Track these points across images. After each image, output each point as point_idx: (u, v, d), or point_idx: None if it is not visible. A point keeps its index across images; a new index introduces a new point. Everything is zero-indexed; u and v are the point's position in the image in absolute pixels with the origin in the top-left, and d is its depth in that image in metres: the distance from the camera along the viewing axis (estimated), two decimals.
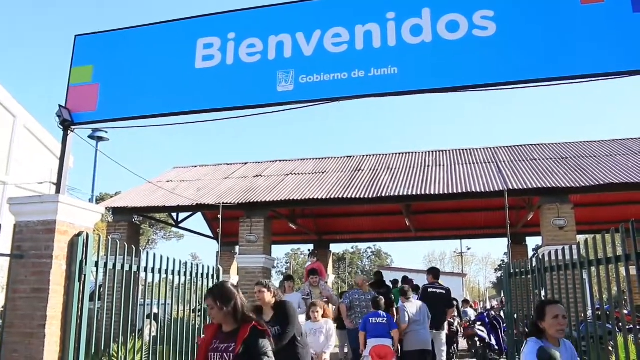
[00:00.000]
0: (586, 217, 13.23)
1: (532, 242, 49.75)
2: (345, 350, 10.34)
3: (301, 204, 12.91)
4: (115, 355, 6.47)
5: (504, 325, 11.45)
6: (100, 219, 6.26)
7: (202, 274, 7.54)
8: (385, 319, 7.79)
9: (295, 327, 5.14)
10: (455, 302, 12.65)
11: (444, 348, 8.95)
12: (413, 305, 8.29)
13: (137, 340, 6.52)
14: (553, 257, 6.08)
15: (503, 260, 69.06)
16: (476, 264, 70.33)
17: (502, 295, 32.87)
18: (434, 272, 9.70)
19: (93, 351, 5.65)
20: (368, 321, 7.84)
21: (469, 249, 56.38)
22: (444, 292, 9.17)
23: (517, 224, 15.77)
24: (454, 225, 17.27)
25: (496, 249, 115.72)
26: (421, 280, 11.65)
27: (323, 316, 7.13)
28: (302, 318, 7.99)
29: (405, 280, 12.14)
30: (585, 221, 12.84)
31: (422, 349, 7.97)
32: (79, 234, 5.55)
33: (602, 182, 10.82)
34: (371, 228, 17.77)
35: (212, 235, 18.06)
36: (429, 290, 9.15)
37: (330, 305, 9.66)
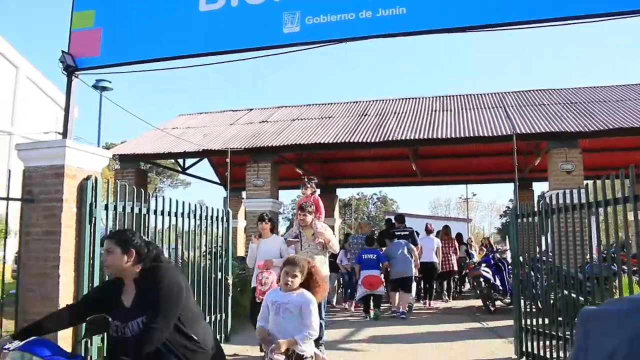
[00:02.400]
0: (594, 162, 13.15)
1: (538, 187, 49.79)
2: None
3: (307, 149, 12.91)
4: None
5: (509, 267, 11.65)
6: (107, 163, 6.30)
7: (212, 217, 7.62)
8: (375, 255, 10.01)
9: (181, 313, 2.84)
10: (465, 246, 14.56)
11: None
12: (393, 245, 10.48)
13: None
14: (560, 201, 6.10)
15: (508, 207, 69.52)
16: (481, 210, 70.81)
17: (507, 240, 33.17)
18: (399, 218, 11.99)
19: None
20: (362, 256, 10.09)
21: (474, 195, 56.64)
22: (407, 233, 11.16)
23: (524, 169, 15.76)
24: (461, 170, 17.27)
25: (502, 195, 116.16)
26: (423, 226, 12.66)
27: (308, 282, 4.04)
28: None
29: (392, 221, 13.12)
30: (593, 167, 12.76)
31: (402, 277, 10.14)
32: (88, 178, 5.61)
33: (611, 127, 10.72)
34: (377, 173, 17.81)
35: (218, 181, 18.18)
36: (396, 233, 11.17)
37: (324, 256, 6.78)
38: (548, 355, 6.08)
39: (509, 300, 11.02)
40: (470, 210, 58.77)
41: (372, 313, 9.90)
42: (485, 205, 70.92)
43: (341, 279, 12.29)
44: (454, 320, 9.65)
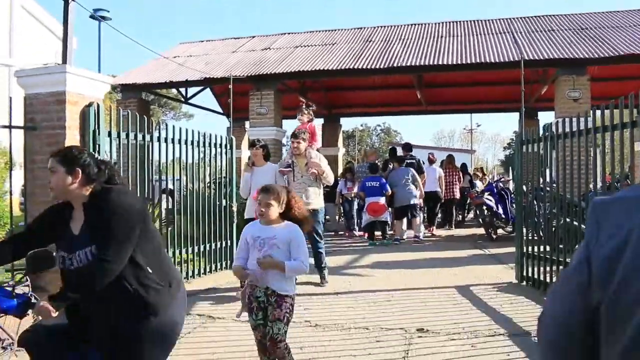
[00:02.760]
0: (602, 91, 12.88)
1: (544, 117, 49.41)
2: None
3: (311, 76, 12.69)
4: None
5: (511, 196, 11.72)
6: (109, 89, 6.21)
7: (216, 144, 7.59)
8: (379, 183, 10.15)
9: (136, 242, 2.41)
10: (469, 176, 14.65)
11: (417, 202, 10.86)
12: (397, 173, 10.59)
13: (154, 208, 6.72)
14: (567, 129, 6.04)
15: (512, 139, 69.22)
16: (485, 142, 70.67)
17: (511, 171, 33.26)
18: (406, 147, 12.09)
19: None
20: (365, 184, 10.32)
21: (478, 125, 56.29)
22: (414, 161, 11.30)
23: (530, 98, 15.55)
24: (466, 99, 17.06)
25: (505, 128, 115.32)
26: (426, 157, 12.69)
27: (290, 213, 3.58)
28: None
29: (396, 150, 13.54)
30: (601, 96, 12.48)
31: (404, 204, 10.30)
32: (90, 105, 5.54)
33: (622, 53, 10.45)
34: (382, 101, 17.60)
35: (221, 112, 18.04)
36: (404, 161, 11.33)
37: (318, 187, 6.57)
38: (548, 280, 6.21)
39: (511, 229, 11.16)
40: (474, 142, 58.69)
41: (378, 241, 10.27)
42: (489, 137, 70.76)
43: (341, 208, 12.34)
44: (457, 247, 9.81)
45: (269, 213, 3.45)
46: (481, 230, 11.57)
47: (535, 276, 6.46)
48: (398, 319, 5.22)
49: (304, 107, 7.32)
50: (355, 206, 11.67)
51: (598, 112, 5.52)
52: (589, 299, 0.83)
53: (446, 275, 7.28)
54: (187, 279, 6.89)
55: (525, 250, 6.71)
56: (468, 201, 14.16)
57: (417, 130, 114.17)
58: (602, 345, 0.81)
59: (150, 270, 2.44)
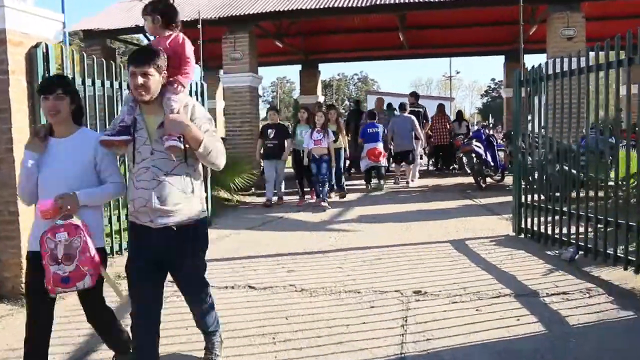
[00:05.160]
0: (598, 31, 12.17)
1: (531, 60, 48.89)
2: None
3: (288, 16, 11.76)
4: None
5: (499, 142, 11.33)
6: (60, 28, 5.42)
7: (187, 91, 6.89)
8: (378, 129, 10.44)
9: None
10: (466, 122, 14.97)
11: (419, 150, 12.30)
12: (399, 121, 11.17)
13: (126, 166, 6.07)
14: (564, 66, 5.49)
15: (489, 86, 68.99)
16: (462, 90, 70.28)
17: (490, 119, 32.92)
18: (415, 95, 13.43)
19: None
20: (366, 131, 10.54)
21: (457, 72, 55.64)
22: (421, 110, 12.56)
23: (517, 39, 14.90)
24: (450, 42, 16.27)
25: (484, 75, 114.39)
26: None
27: None
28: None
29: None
30: (596, 37, 11.77)
31: (403, 150, 11.01)
32: (37, 45, 4.80)
33: None
34: (362, 46, 16.74)
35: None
36: (410, 109, 11.79)
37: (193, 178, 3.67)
38: (549, 232, 5.78)
39: (499, 177, 10.76)
40: (451, 89, 58.05)
41: (373, 184, 10.76)
42: (467, 85, 70.32)
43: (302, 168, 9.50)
44: (445, 197, 9.35)
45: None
46: (468, 179, 11.15)
47: (535, 228, 6.03)
48: (391, 280, 4.75)
49: None
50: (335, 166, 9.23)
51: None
52: None
53: (437, 229, 6.82)
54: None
55: (523, 200, 6.26)
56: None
57: (395, 78, 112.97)
58: None
59: None
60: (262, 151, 9.12)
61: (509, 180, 10.83)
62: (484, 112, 57.97)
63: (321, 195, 8.64)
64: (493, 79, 68.48)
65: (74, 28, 12.08)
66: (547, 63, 5.79)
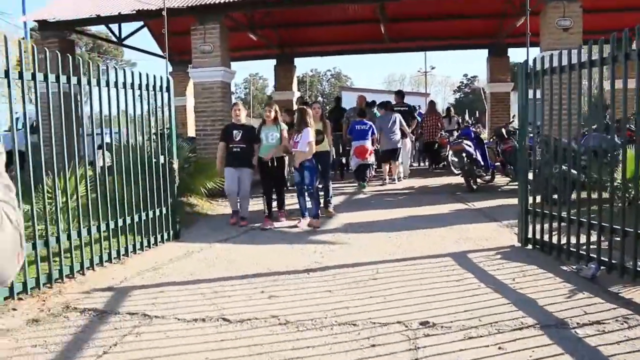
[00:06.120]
0: (596, 24, 11.59)
1: (515, 54, 48.93)
2: None
3: (261, 5, 10.95)
4: (50, 190, 5.25)
5: (488, 141, 10.80)
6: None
7: (150, 86, 6.06)
8: (367, 126, 10.21)
9: None
10: (456, 117, 15.49)
11: (408, 148, 12.25)
12: (384, 118, 10.88)
13: (86, 170, 5.21)
14: (562, 61, 4.83)
15: (462, 82, 68.99)
16: (435, 85, 70.10)
17: (467, 115, 32.53)
18: (400, 94, 13.17)
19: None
20: (354, 127, 10.33)
21: (433, 68, 55.34)
22: (407, 109, 12.40)
23: (499, 33, 14.44)
24: (432, 35, 15.64)
25: (455, 71, 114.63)
26: (382, 99, 13.22)
27: None
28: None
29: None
30: (594, 29, 11.16)
31: (390, 148, 10.74)
32: None
33: None
34: (340, 39, 15.99)
35: (161, 54, 16.09)
36: (395, 108, 11.57)
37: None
38: (563, 242, 5.12)
39: (490, 177, 10.14)
40: (423, 85, 57.72)
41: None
42: (439, 80, 70.26)
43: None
44: (435, 200, 8.67)
45: None
46: (455, 180, 10.52)
47: (545, 238, 5.36)
48: (392, 308, 4.01)
49: None
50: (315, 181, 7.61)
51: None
52: None
53: (434, 239, 6.12)
54: (119, 259, 5.48)
55: (530, 206, 5.59)
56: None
57: (368, 74, 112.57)
58: None
59: None
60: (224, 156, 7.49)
61: (499, 180, 10.28)
62: (458, 108, 57.76)
63: (306, 214, 7.25)
64: (465, 75, 68.57)
65: (24, 19, 11.08)
66: (560, 53, 5.07)
